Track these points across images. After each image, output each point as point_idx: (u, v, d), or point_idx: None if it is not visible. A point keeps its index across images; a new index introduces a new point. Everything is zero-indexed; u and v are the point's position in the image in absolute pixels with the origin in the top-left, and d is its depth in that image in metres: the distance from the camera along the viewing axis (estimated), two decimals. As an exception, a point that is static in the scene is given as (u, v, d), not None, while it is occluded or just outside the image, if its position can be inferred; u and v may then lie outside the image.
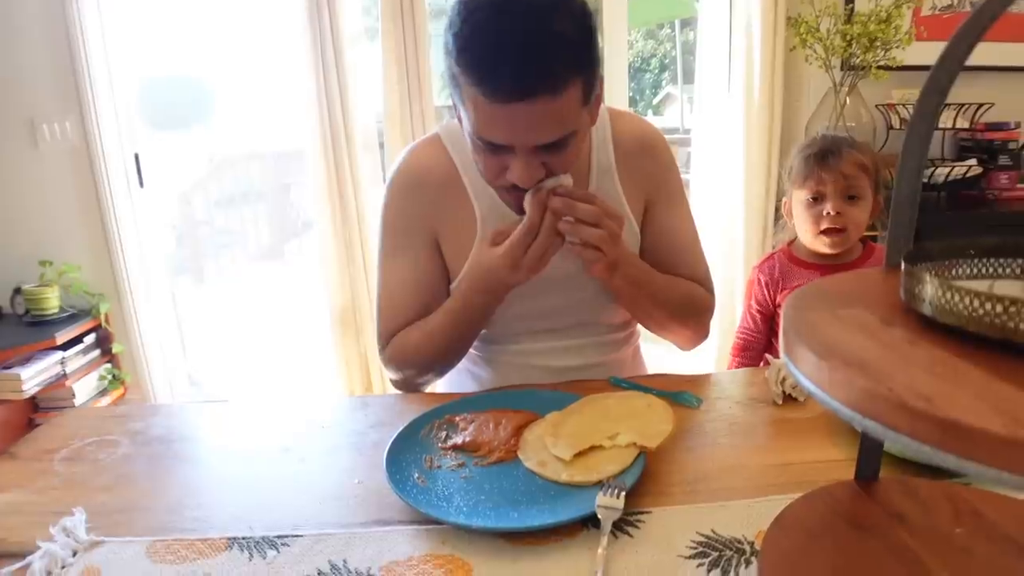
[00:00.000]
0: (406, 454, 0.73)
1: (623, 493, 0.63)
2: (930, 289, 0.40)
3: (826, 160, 1.38)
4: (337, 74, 2.32)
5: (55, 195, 2.52)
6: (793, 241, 1.50)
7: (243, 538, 0.63)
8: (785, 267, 1.47)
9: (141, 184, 2.64)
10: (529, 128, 0.78)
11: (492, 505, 0.64)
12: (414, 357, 1.01)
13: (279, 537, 0.63)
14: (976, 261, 0.49)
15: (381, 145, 2.58)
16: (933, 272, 0.47)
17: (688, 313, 1.06)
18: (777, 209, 2.52)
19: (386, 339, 1.04)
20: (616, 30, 2.63)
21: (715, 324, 2.67)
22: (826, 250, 1.40)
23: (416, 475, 0.70)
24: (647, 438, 0.71)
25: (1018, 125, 2.47)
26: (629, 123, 1.06)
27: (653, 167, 1.05)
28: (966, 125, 2.40)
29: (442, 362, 1.04)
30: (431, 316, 1.00)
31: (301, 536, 0.63)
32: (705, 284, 1.09)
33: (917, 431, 0.31)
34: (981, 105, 2.35)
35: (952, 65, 0.46)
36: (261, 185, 6.14)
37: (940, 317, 0.40)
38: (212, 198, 5.86)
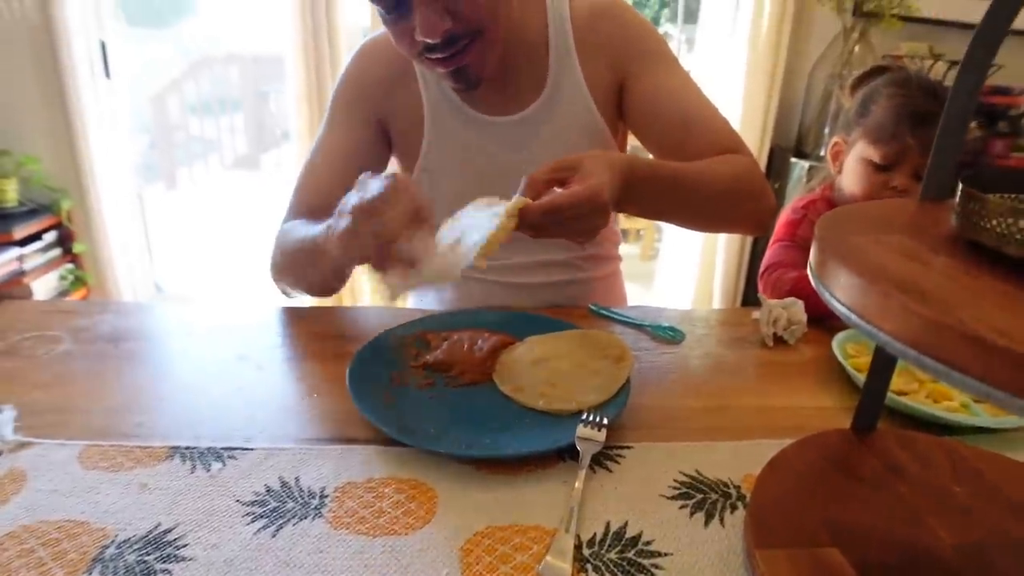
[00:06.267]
0: (372, 369, 0.68)
1: (604, 425, 0.58)
2: (996, 214, 0.35)
3: (924, 124, 1.09)
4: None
5: (11, 77, 2.34)
6: (832, 184, 1.27)
7: (186, 448, 0.57)
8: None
9: (107, 75, 2.47)
10: None
11: (462, 429, 0.59)
12: (277, 261, 0.90)
13: (226, 449, 0.57)
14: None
15: (367, 54, 2.44)
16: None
17: (740, 196, 0.85)
18: (772, 156, 2.46)
19: (290, 216, 0.93)
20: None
21: (694, 263, 2.65)
22: None
23: (381, 392, 0.64)
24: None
25: (1022, 91, 2.41)
26: None
27: (613, 33, 0.92)
28: (972, 84, 2.32)
29: (297, 286, 0.90)
30: (305, 227, 0.82)
31: (251, 449, 0.57)
32: (735, 145, 0.89)
33: (992, 371, 0.26)
34: (989, 66, 2.27)
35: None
36: (239, 92, 5.87)
37: (1006, 247, 0.34)
38: (188, 102, 5.60)
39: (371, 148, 0.97)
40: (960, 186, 0.39)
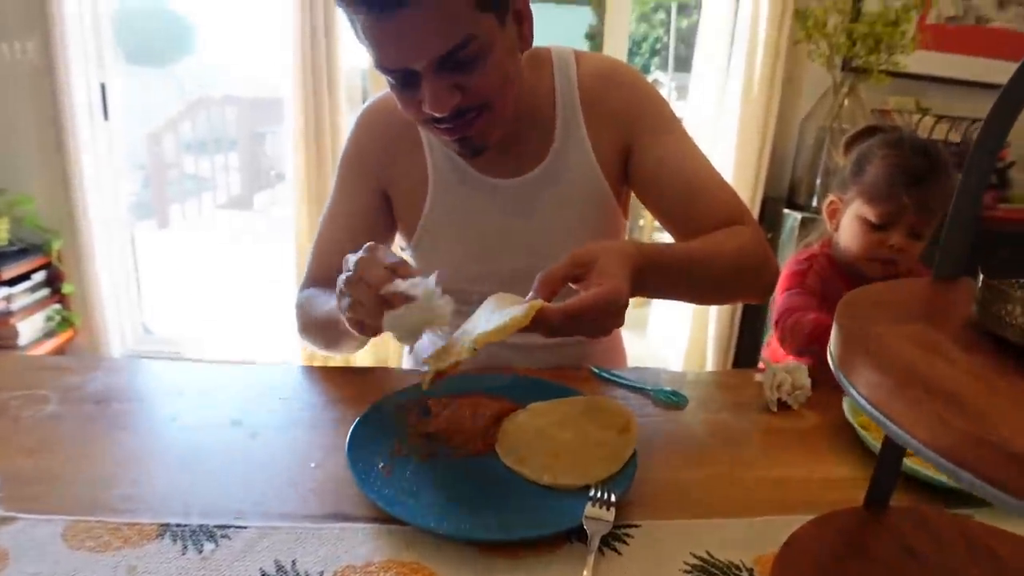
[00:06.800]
0: (372, 438, 0.66)
1: (613, 504, 0.57)
2: (1021, 312, 0.34)
3: (918, 184, 1.10)
4: (324, 16, 2.18)
5: (11, 119, 2.34)
6: (830, 241, 1.26)
7: (177, 525, 0.55)
8: (826, 272, 1.22)
9: (106, 116, 2.48)
10: (417, 40, 0.71)
11: (466, 507, 0.57)
12: (304, 328, 0.95)
13: (219, 527, 0.55)
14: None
15: (364, 100, 2.47)
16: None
17: (747, 270, 0.85)
18: (764, 207, 2.49)
19: (307, 283, 0.98)
20: (619, 7, 2.53)
21: (687, 309, 2.65)
22: (873, 276, 1.18)
23: (381, 464, 0.62)
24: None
25: (1008, 144, 2.46)
26: (593, 61, 0.95)
27: (623, 101, 0.92)
28: (958, 140, 2.37)
29: (324, 350, 0.96)
30: (321, 298, 0.89)
31: (244, 528, 0.55)
32: (739, 215, 0.88)
33: (1040, 495, 0.25)
34: (975, 121, 2.32)
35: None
36: (235, 131, 5.92)
37: (1035, 347, 0.33)
38: (183, 140, 5.63)
39: (377, 215, 0.97)
40: (980, 277, 0.38)
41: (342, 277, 0.70)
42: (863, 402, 0.33)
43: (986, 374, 0.33)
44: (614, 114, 0.92)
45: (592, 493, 0.58)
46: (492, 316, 0.62)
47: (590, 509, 0.56)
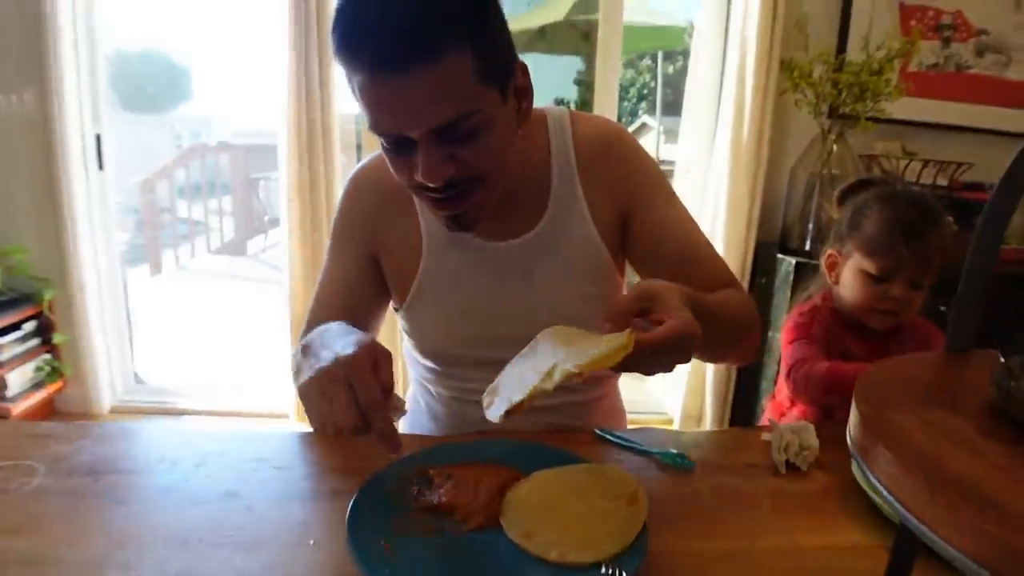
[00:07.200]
0: (372, 514, 0.63)
1: (624, 584, 0.55)
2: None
3: (916, 236, 1.12)
4: (320, 64, 2.20)
5: (6, 169, 2.35)
6: (829, 293, 1.27)
7: (171, 614, 0.52)
8: (829, 323, 1.23)
9: (101, 167, 2.49)
10: (416, 108, 0.70)
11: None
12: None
13: (215, 616, 0.52)
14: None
15: (359, 147, 2.48)
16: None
17: (746, 330, 0.88)
18: (757, 252, 2.50)
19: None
20: (610, 55, 2.59)
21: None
22: (874, 327, 1.20)
23: (383, 542, 0.60)
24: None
25: (993, 187, 2.50)
26: (589, 124, 0.95)
27: (622, 169, 0.93)
28: (945, 183, 2.41)
29: None
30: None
31: (242, 616, 0.52)
32: (731, 280, 0.92)
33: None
34: (960, 164, 2.37)
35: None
36: (229, 178, 5.96)
37: (1064, 439, 0.32)
38: (176, 185, 5.66)
39: (368, 279, 0.97)
40: (1000, 361, 0.38)
41: (329, 364, 0.69)
42: (891, 499, 0.32)
43: (1013, 467, 0.32)
44: (612, 182, 0.92)
45: (603, 571, 0.56)
46: (573, 350, 0.62)
47: (601, 591, 0.54)
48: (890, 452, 0.32)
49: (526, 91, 0.82)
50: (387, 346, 0.73)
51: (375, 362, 0.69)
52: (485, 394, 0.64)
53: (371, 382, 0.66)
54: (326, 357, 0.70)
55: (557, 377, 0.58)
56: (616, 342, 0.59)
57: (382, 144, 0.78)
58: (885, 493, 0.33)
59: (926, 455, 0.32)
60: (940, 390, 0.42)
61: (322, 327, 0.81)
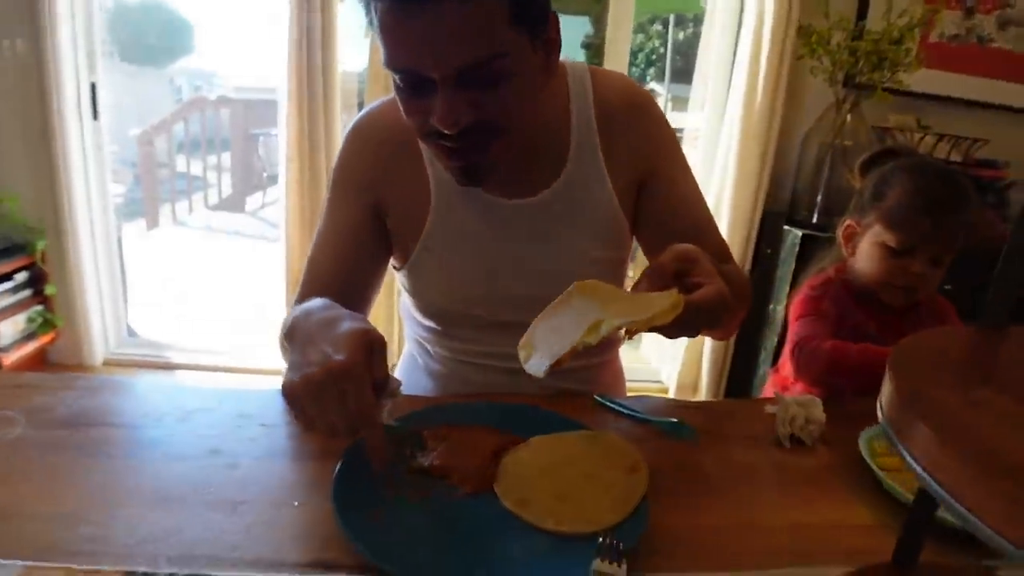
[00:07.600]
0: (360, 476, 0.61)
1: (624, 557, 0.52)
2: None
3: (943, 212, 1.07)
4: (322, 18, 2.13)
5: (-3, 115, 2.28)
6: (844, 266, 1.22)
7: (143, 574, 0.50)
8: (842, 298, 1.17)
9: (96, 116, 2.42)
10: (441, 42, 0.65)
11: (463, 559, 0.53)
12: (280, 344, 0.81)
13: (191, 577, 0.50)
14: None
15: (360, 105, 2.42)
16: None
17: (743, 302, 0.86)
18: (764, 222, 2.46)
19: (298, 300, 0.86)
20: (622, 17, 2.51)
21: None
22: (892, 302, 1.14)
23: (370, 507, 0.57)
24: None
25: (1007, 164, 2.44)
26: (612, 81, 0.90)
27: (643, 134, 0.89)
28: (959, 159, 2.35)
29: None
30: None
31: (219, 578, 0.50)
32: (729, 256, 0.92)
33: None
34: (976, 140, 2.31)
35: None
36: (229, 133, 5.86)
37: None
38: (175, 140, 5.56)
39: (369, 236, 0.91)
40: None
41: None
42: (933, 485, 0.29)
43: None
44: (635, 143, 0.89)
45: (600, 541, 0.53)
46: (616, 307, 0.60)
47: (599, 564, 0.51)
48: (932, 432, 0.29)
49: (555, 45, 0.77)
50: (382, 302, 0.69)
51: (369, 355, 0.59)
52: (520, 347, 0.61)
53: (365, 393, 0.57)
54: (314, 360, 0.59)
55: (604, 331, 0.57)
56: (667, 301, 0.58)
57: (395, 82, 0.73)
58: (921, 472, 0.30)
59: (976, 438, 0.29)
60: (981, 367, 0.38)
61: (307, 306, 0.72)
